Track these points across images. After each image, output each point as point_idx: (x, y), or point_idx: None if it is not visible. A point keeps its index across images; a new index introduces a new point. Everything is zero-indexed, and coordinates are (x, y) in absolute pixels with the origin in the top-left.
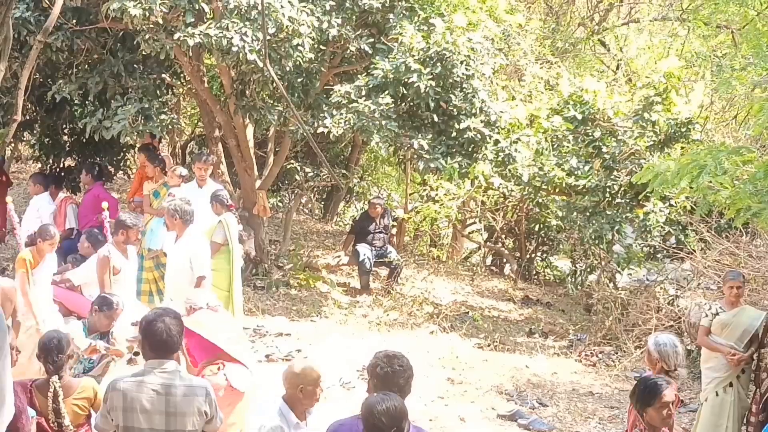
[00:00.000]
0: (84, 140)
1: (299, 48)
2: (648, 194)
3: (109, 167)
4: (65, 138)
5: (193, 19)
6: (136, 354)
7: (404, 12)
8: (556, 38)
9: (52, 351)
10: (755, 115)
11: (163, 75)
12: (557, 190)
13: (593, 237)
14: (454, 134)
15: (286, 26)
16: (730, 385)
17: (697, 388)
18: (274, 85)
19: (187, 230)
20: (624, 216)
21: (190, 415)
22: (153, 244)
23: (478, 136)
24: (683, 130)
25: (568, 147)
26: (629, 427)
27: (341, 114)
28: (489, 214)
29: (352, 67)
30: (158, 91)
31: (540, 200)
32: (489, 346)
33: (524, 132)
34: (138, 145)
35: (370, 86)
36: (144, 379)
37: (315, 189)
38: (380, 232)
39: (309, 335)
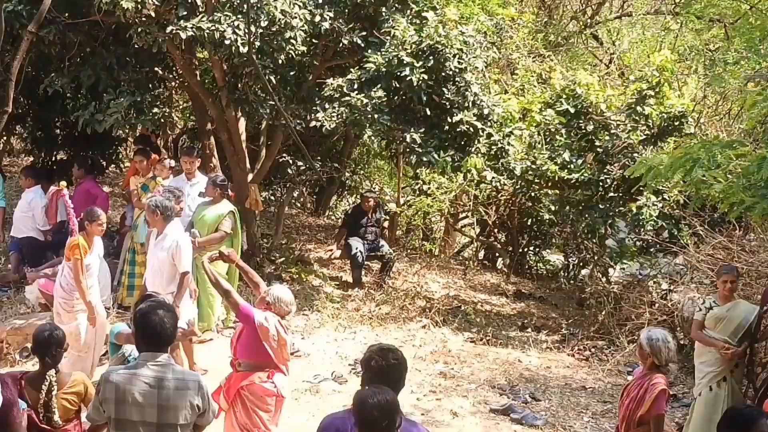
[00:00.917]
0: (76, 133)
1: (292, 41)
2: (641, 188)
3: (102, 160)
4: (57, 131)
5: (185, 13)
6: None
7: (397, 5)
8: (549, 32)
9: (51, 345)
10: (748, 109)
11: (156, 68)
12: (550, 184)
13: (586, 231)
14: (446, 128)
15: (279, 19)
16: (724, 379)
17: (690, 382)
18: (263, 81)
19: (168, 226)
20: (617, 210)
21: (183, 408)
22: (145, 239)
23: (471, 129)
24: (676, 123)
25: (560, 141)
26: (620, 421)
27: (334, 107)
28: (481, 208)
29: (344, 60)
30: (150, 85)
31: (533, 194)
32: (481, 340)
33: (517, 125)
34: (132, 138)
35: (363, 80)
36: (137, 372)
37: (307, 183)
38: (372, 226)
39: (301, 329)
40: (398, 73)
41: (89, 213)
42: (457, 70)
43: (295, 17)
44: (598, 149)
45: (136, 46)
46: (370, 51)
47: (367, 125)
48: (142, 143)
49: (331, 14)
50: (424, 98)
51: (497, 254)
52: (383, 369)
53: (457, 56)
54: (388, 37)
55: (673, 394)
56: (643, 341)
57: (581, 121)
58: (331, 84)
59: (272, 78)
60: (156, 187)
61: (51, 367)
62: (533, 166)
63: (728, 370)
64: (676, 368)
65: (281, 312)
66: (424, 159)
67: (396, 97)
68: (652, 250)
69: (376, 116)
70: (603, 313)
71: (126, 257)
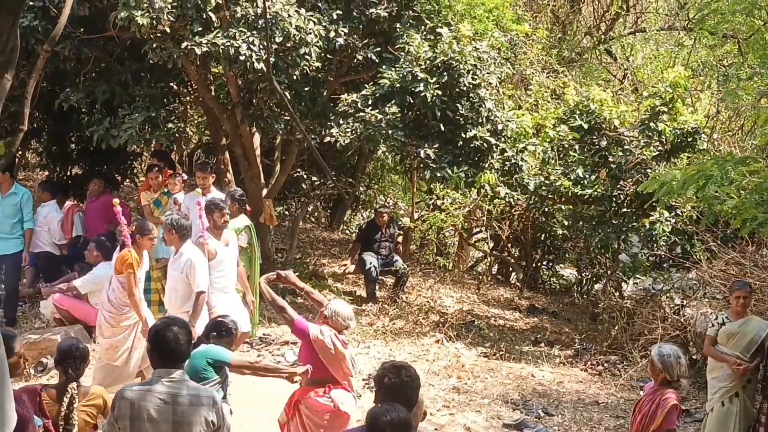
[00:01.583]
0: (91, 148)
1: (306, 57)
2: (654, 203)
3: (116, 175)
4: (72, 146)
5: (200, 28)
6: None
7: (411, 21)
8: (563, 47)
9: (77, 359)
10: (761, 125)
11: (171, 83)
12: (563, 199)
13: (599, 246)
14: (460, 143)
15: (294, 35)
16: (736, 395)
17: (702, 397)
18: (280, 95)
19: (184, 245)
20: (630, 225)
21: (197, 424)
22: (161, 254)
23: (485, 145)
24: (689, 139)
25: (574, 156)
26: None
27: (348, 123)
28: (495, 223)
29: (359, 76)
30: (165, 100)
31: (546, 209)
32: (495, 355)
33: (530, 141)
34: (147, 153)
35: (377, 95)
36: (151, 388)
37: (321, 197)
38: (386, 241)
39: None
40: (412, 89)
41: (140, 227)
42: (471, 86)
43: (310, 33)
44: (612, 165)
45: (151, 62)
46: (384, 67)
47: (382, 141)
48: (158, 158)
49: (346, 30)
50: (438, 114)
51: (511, 269)
52: (396, 386)
53: (471, 72)
54: (402, 53)
55: (686, 409)
56: (654, 357)
57: (595, 137)
58: (346, 99)
59: (287, 93)
60: (168, 203)
61: (73, 380)
62: (547, 182)
63: (740, 385)
64: (687, 383)
65: (338, 326)
66: (438, 174)
67: (410, 113)
68: (665, 265)
69: (390, 132)
70: (616, 327)
71: None
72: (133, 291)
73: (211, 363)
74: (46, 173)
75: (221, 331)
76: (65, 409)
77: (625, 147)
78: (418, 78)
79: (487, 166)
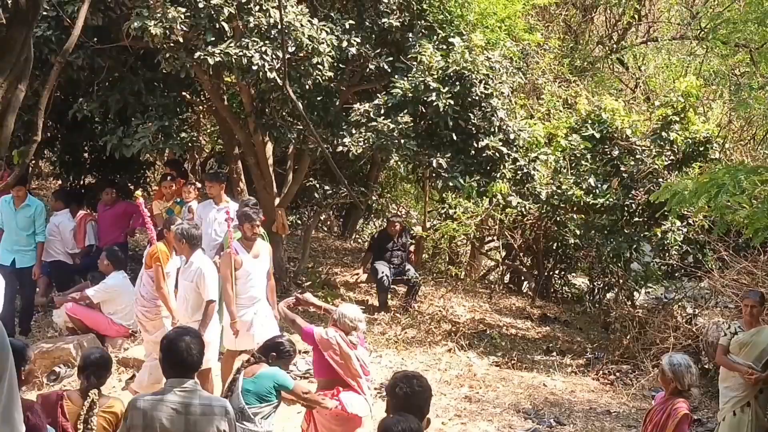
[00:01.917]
0: (104, 157)
1: (319, 66)
2: (666, 213)
3: (129, 184)
4: (86, 155)
5: (213, 38)
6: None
7: (423, 31)
8: (575, 57)
9: (100, 367)
10: None
11: (184, 93)
12: (575, 209)
13: (611, 255)
14: (472, 153)
15: (306, 45)
16: (748, 404)
17: (714, 407)
18: (293, 104)
19: (194, 254)
20: (642, 234)
21: None
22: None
23: (497, 154)
24: (701, 149)
25: (586, 166)
26: None
27: (360, 132)
28: (507, 232)
29: (371, 85)
30: (178, 109)
31: (558, 218)
32: (507, 364)
33: (542, 150)
34: (160, 162)
35: (389, 105)
36: (163, 398)
37: (334, 206)
38: (398, 250)
39: None
40: (425, 99)
41: (169, 221)
42: (483, 96)
43: (323, 43)
44: (623, 174)
45: (164, 71)
46: (396, 76)
47: (394, 150)
48: (171, 167)
49: (358, 40)
50: (451, 123)
51: (523, 278)
52: (408, 396)
53: (484, 82)
54: (414, 63)
55: (698, 418)
56: (665, 367)
57: (606, 147)
58: (358, 109)
59: (299, 103)
60: (182, 212)
61: (95, 387)
62: (559, 191)
63: (752, 395)
64: (698, 393)
65: (346, 327)
66: (450, 184)
67: (422, 123)
68: (677, 274)
69: (402, 141)
70: (628, 337)
71: None
72: (161, 284)
73: (276, 387)
74: (60, 182)
75: (281, 352)
76: (85, 413)
77: (637, 156)
78: (431, 87)
79: (499, 175)
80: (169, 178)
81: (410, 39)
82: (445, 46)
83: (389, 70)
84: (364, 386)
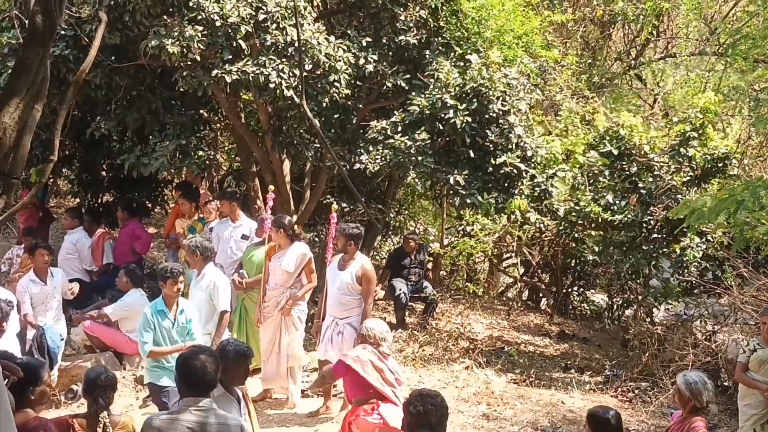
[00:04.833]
0: (122, 176)
1: (336, 84)
2: (684, 229)
3: (147, 203)
4: (104, 173)
5: (230, 56)
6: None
7: (440, 48)
8: (593, 73)
9: (106, 389)
10: None
11: (201, 111)
12: (593, 225)
13: (630, 272)
14: (490, 170)
15: (323, 62)
16: None
17: (734, 425)
18: (310, 121)
19: (206, 267)
20: (661, 251)
21: None
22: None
23: (515, 171)
24: (720, 165)
25: (604, 182)
26: None
27: (377, 150)
28: (525, 249)
29: (388, 102)
30: (196, 127)
31: (576, 235)
32: (525, 381)
33: (560, 167)
34: (177, 182)
35: (407, 122)
36: (179, 417)
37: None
38: (416, 267)
39: None
40: (442, 116)
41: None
42: (500, 113)
43: (339, 60)
44: (642, 191)
45: (181, 90)
46: (413, 93)
47: (411, 167)
48: (182, 189)
49: (375, 57)
50: (468, 140)
51: (541, 295)
52: (421, 414)
53: (501, 98)
54: (431, 80)
55: None
56: (681, 386)
57: (625, 163)
58: (375, 126)
59: (317, 121)
60: (204, 230)
61: (104, 409)
62: (577, 208)
63: None
64: (716, 409)
65: (375, 341)
66: (468, 201)
67: (440, 140)
68: (696, 291)
69: (419, 158)
70: (647, 354)
71: None
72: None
73: None
74: (77, 200)
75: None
76: None
77: (656, 173)
78: (448, 104)
79: (516, 192)
80: (184, 196)
81: (427, 56)
82: (462, 63)
83: (406, 88)
84: (400, 396)
